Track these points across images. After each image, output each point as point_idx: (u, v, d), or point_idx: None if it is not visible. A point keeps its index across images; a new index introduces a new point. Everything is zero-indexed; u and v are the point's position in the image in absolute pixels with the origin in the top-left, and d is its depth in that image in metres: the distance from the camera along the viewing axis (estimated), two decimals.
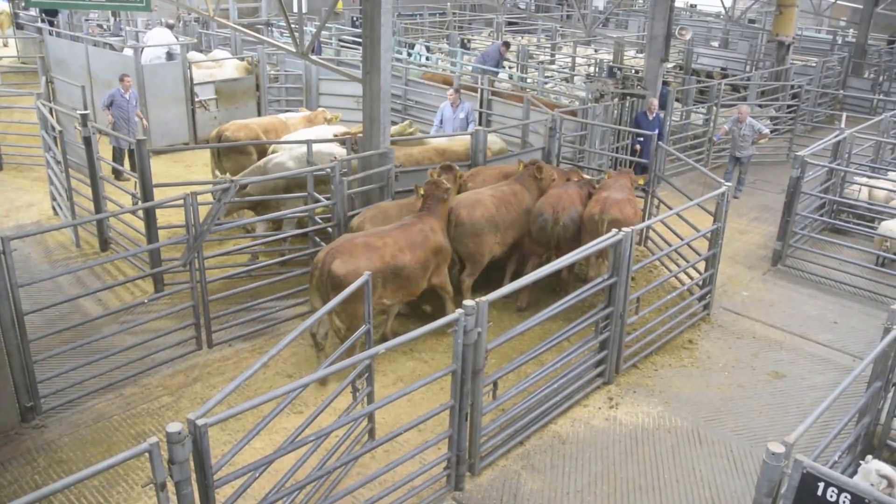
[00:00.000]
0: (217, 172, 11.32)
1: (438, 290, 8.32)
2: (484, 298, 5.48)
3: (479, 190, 9.17)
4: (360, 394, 5.93)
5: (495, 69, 16.57)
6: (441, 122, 12.41)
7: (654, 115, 12.64)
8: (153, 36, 15.74)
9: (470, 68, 16.95)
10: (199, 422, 4.09)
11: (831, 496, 3.99)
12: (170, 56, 14.92)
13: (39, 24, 18.17)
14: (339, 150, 9.81)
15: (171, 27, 17.54)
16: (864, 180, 11.67)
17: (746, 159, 13.18)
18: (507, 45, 17.48)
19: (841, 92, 19.43)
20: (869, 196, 11.49)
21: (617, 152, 12.85)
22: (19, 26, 21.07)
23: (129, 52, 14.28)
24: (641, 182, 9.82)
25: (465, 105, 12.32)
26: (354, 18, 23.30)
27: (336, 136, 10.19)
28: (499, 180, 9.58)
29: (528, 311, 8.65)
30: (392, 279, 7.53)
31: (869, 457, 5.26)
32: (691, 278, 9.17)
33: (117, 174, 11.51)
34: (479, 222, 8.55)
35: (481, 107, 13.92)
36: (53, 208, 11.25)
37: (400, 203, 8.82)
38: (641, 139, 12.31)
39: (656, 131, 11.23)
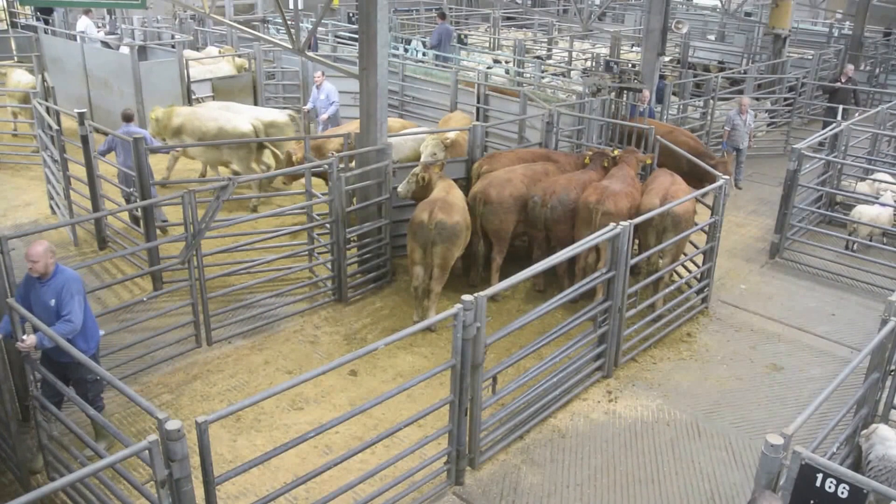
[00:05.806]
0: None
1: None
2: (482, 293, 5.49)
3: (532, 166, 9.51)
4: None
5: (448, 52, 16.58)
6: (312, 101, 13.68)
7: (645, 106, 12.60)
8: (82, 24, 16.41)
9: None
10: (200, 419, 4.11)
11: (829, 487, 4.01)
12: (106, 44, 15.62)
13: (35, 23, 18.07)
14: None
15: (87, 12, 17.65)
16: (884, 176, 11.59)
17: (744, 150, 13.19)
18: (443, 15, 17.66)
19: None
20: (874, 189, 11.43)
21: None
22: (14, 24, 20.98)
23: (125, 49, 14.25)
24: (649, 161, 9.91)
25: (325, 86, 13.27)
26: (351, 14, 23.15)
27: None
28: (515, 164, 9.66)
29: (530, 305, 8.66)
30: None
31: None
32: (689, 271, 9.18)
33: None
34: (506, 201, 8.79)
35: (478, 102, 13.89)
36: (51, 207, 11.22)
37: None
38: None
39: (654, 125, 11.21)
